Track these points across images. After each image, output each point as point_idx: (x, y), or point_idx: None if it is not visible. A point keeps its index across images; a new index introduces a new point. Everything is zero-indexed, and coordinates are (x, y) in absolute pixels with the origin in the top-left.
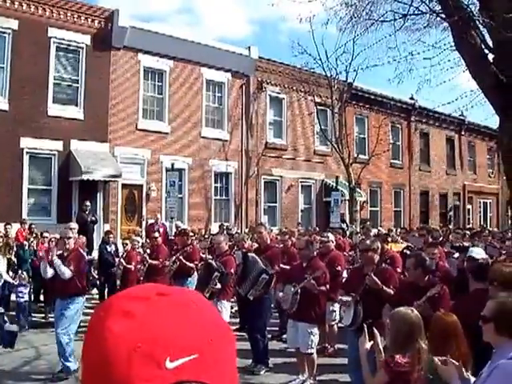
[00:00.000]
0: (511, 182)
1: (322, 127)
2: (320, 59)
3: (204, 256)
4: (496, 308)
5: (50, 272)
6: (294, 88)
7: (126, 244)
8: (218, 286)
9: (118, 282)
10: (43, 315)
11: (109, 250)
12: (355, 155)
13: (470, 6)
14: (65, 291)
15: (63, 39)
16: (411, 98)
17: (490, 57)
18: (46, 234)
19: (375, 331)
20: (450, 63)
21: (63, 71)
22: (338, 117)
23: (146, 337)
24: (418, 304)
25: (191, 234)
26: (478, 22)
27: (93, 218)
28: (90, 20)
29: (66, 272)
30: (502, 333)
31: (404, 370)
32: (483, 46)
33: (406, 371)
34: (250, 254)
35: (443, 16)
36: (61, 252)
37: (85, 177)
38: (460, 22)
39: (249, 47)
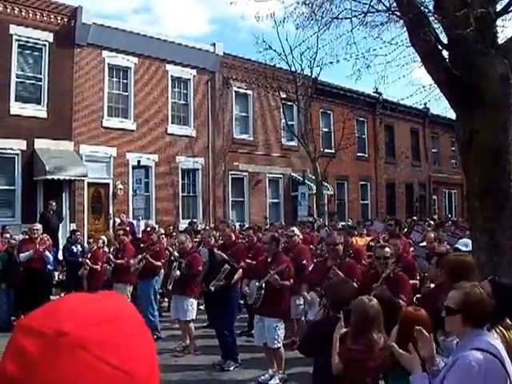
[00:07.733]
0: (468, 176)
1: (288, 122)
2: (285, 55)
3: (173, 253)
4: (462, 299)
5: None
6: (260, 84)
7: (90, 243)
8: (177, 272)
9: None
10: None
11: (74, 250)
12: (321, 149)
13: (425, 4)
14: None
15: (25, 36)
16: (375, 92)
17: (445, 53)
18: (6, 235)
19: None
20: (406, 59)
21: (25, 69)
22: (303, 111)
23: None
24: (375, 286)
25: (160, 232)
26: (432, 20)
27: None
28: (52, 17)
29: None
30: (467, 323)
31: (357, 357)
32: (437, 43)
33: (360, 359)
34: (216, 252)
35: (398, 14)
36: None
37: (49, 176)
38: (414, 19)
39: (214, 44)
